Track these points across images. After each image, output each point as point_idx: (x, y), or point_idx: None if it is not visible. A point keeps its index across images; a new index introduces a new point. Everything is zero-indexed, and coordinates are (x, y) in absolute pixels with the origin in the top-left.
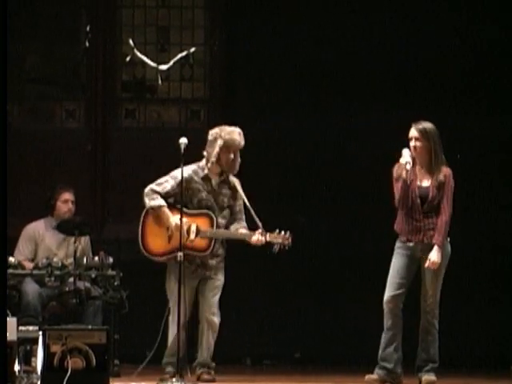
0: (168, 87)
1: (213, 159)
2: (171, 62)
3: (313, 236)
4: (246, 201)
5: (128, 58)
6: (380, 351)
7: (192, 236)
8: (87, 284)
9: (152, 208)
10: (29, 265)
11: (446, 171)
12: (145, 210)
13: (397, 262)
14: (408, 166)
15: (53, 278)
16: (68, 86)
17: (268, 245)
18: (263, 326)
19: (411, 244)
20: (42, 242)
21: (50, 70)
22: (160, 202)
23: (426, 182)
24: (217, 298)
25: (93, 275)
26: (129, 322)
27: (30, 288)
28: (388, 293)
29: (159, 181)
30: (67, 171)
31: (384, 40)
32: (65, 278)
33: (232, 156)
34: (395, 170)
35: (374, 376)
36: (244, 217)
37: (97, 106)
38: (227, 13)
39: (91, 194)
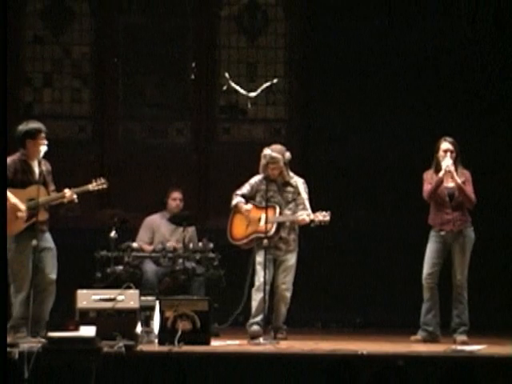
0: (256, 110)
1: (261, 172)
2: (258, 90)
3: (370, 226)
4: (303, 195)
5: (224, 88)
6: (422, 317)
7: (261, 222)
8: (193, 264)
9: (233, 206)
10: (148, 248)
11: (465, 174)
12: (231, 210)
13: (431, 247)
14: (452, 168)
15: (166, 259)
16: (178, 109)
17: (311, 222)
18: (331, 295)
19: (443, 233)
20: (158, 230)
21: (164, 97)
22: (237, 200)
23: (452, 183)
24: (289, 277)
25: (197, 257)
26: (225, 293)
27: (149, 267)
28: (426, 271)
29: (241, 187)
30: (177, 176)
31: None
32: (176, 260)
33: (274, 170)
34: (428, 175)
35: (418, 337)
36: (308, 206)
37: (200, 125)
38: (303, 51)
39: (196, 193)
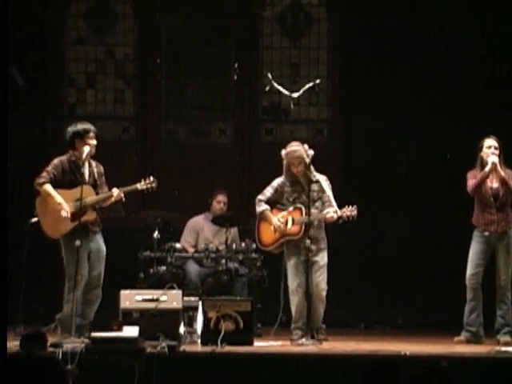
0: (299, 110)
1: (284, 174)
2: (301, 91)
3: (411, 225)
4: (328, 191)
5: (267, 88)
6: (465, 318)
7: (289, 225)
8: (236, 264)
9: (259, 213)
10: (191, 249)
11: (508, 172)
12: (257, 216)
13: (475, 247)
14: (498, 166)
15: (209, 260)
16: (221, 110)
17: (339, 219)
18: (373, 295)
19: (487, 233)
20: (201, 232)
21: (207, 98)
22: (263, 207)
23: (496, 184)
24: (323, 276)
25: (240, 258)
26: (268, 294)
27: (192, 267)
28: (469, 271)
29: (264, 191)
30: (221, 177)
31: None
32: (219, 260)
33: (299, 167)
34: (472, 173)
35: (462, 338)
36: (333, 203)
37: (243, 125)
38: (346, 52)
39: (239, 194)
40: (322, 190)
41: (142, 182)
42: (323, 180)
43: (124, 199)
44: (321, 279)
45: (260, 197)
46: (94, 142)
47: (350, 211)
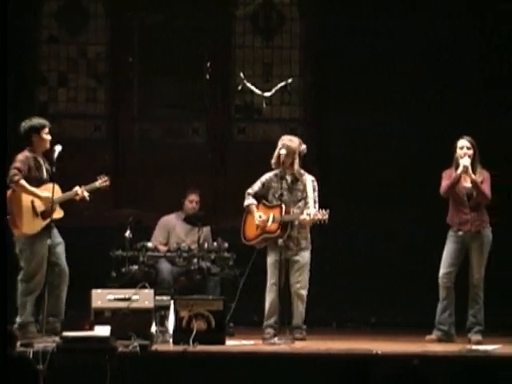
0: (271, 110)
1: (273, 165)
2: (273, 90)
3: (385, 225)
4: (309, 193)
5: (240, 87)
6: (437, 317)
7: (269, 222)
8: (208, 264)
9: (245, 206)
10: (163, 248)
11: (484, 174)
12: (245, 209)
13: (449, 247)
14: (469, 169)
15: (182, 259)
16: (194, 109)
17: (312, 221)
18: (346, 295)
19: (461, 233)
20: (173, 230)
21: (180, 97)
22: (249, 201)
23: (469, 183)
24: (304, 275)
25: (212, 257)
26: (240, 293)
27: (164, 267)
28: (442, 270)
29: (253, 184)
30: (194, 176)
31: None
32: (191, 259)
33: (287, 158)
34: (447, 173)
35: (433, 336)
36: (310, 205)
37: (216, 124)
38: (318, 51)
39: (212, 193)
40: (305, 191)
41: (100, 180)
42: (309, 181)
43: (88, 198)
44: (300, 278)
45: (248, 190)
46: (49, 137)
47: (321, 215)
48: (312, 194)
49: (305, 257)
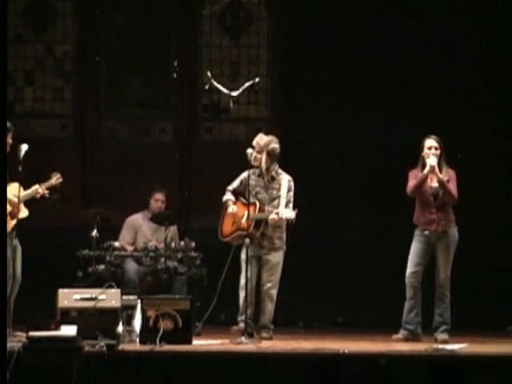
0: (238, 109)
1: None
2: (240, 90)
3: (351, 225)
4: (282, 192)
5: (207, 87)
6: (404, 316)
7: (243, 220)
8: (175, 263)
9: (223, 202)
10: (130, 248)
11: (449, 173)
12: (222, 205)
13: (416, 246)
14: (436, 168)
15: (148, 259)
16: (161, 108)
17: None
18: (313, 294)
19: (427, 233)
20: (140, 230)
21: (147, 96)
22: (227, 197)
23: (435, 183)
24: (275, 275)
25: (179, 256)
26: (207, 292)
27: (131, 266)
28: (409, 269)
29: (233, 181)
30: (161, 175)
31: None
32: (158, 259)
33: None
34: (414, 173)
35: (400, 336)
36: (282, 205)
37: (183, 124)
38: (285, 50)
39: (178, 192)
40: (280, 190)
41: (55, 177)
42: (285, 180)
43: (48, 195)
44: (271, 278)
45: (228, 187)
46: (11, 141)
47: (289, 214)
48: (285, 194)
49: (277, 256)
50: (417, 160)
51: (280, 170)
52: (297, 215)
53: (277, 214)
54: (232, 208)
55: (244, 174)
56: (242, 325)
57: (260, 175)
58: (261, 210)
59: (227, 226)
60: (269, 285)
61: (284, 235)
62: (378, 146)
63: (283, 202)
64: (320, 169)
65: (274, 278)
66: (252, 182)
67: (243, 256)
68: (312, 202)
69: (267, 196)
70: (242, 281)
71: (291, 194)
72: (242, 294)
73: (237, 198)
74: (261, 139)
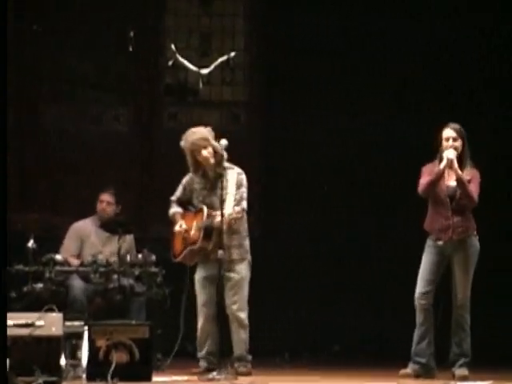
0: (209, 90)
1: (190, 167)
2: (212, 66)
3: (350, 237)
4: (229, 189)
5: (171, 63)
6: (413, 346)
7: (192, 231)
8: (131, 281)
9: (170, 216)
10: (75, 262)
11: (473, 172)
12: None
13: (427, 260)
14: (454, 163)
15: (98, 275)
16: (114, 90)
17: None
18: (302, 316)
19: (440, 242)
20: (87, 239)
21: (98, 75)
22: (173, 210)
23: (453, 182)
24: (240, 294)
25: (136, 272)
26: (171, 317)
27: (76, 284)
28: (419, 289)
29: (176, 190)
30: (115, 171)
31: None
32: (109, 275)
33: (203, 154)
34: (428, 168)
35: (408, 370)
36: (242, 203)
37: (142, 109)
38: (265, 19)
39: (137, 192)
40: (235, 187)
41: None
42: (233, 174)
43: None
44: (236, 298)
45: (172, 197)
46: None
47: (236, 213)
48: (234, 191)
49: (240, 271)
50: (418, 160)
51: (227, 164)
52: (254, 213)
53: (222, 215)
54: (180, 224)
55: (186, 178)
56: (202, 363)
57: (204, 175)
58: (209, 215)
59: (177, 246)
60: (234, 307)
61: (246, 242)
62: (378, 146)
63: (231, 200)
64: (320, 169)
65: (239, 298)
66: (196, 186)
67: (199, 275)
68: (312, 202)
69: (216, 198)
70: (198, 307)
71: (243, 189)
72: (199, 323)
73: (185, 208)
74: (200, 132)
